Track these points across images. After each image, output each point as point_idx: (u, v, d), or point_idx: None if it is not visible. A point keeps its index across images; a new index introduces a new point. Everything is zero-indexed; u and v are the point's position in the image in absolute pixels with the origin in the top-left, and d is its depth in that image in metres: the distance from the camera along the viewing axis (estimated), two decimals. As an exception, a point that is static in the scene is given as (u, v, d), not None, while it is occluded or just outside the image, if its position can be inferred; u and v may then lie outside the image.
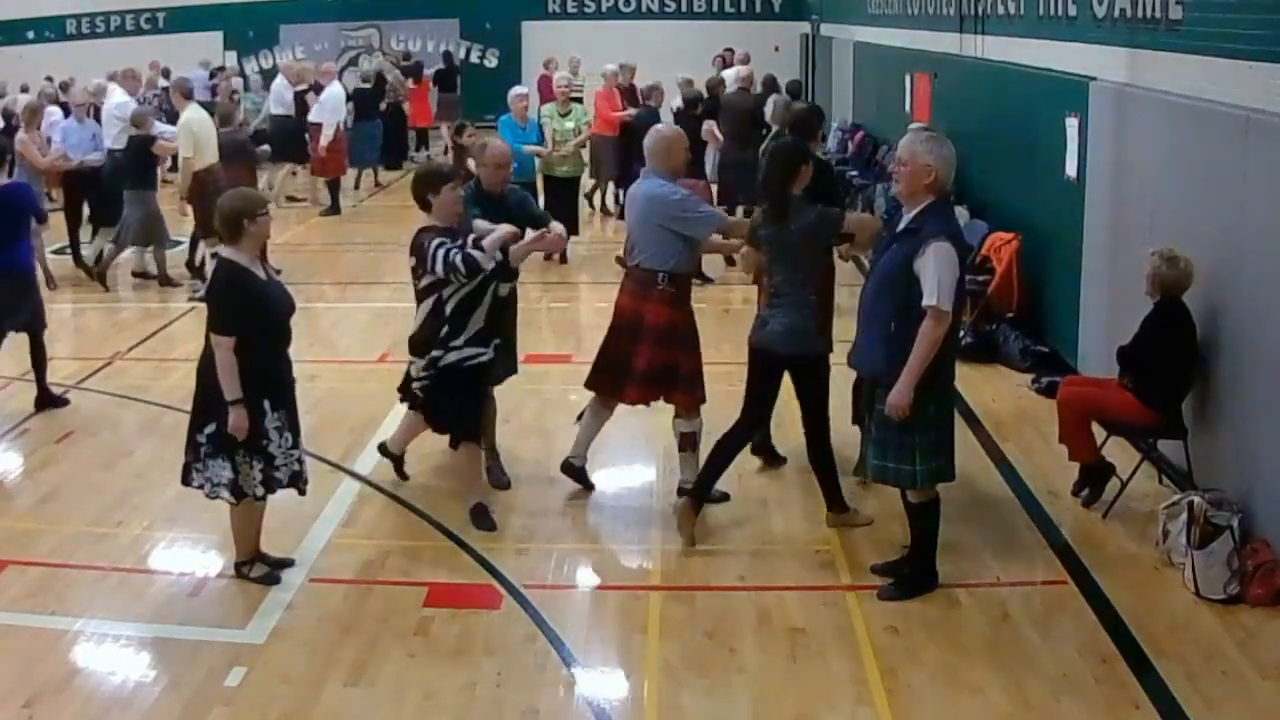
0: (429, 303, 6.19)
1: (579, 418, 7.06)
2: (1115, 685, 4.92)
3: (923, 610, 5.53)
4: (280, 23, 25.11)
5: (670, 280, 6.45)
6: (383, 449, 7.12)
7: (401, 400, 6.75)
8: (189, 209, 11.54)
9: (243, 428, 5.48)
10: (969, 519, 6.40)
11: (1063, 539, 6.24)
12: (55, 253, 12.38)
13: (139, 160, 11.62)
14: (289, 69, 17.63)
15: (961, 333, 7.22)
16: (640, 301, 6.52)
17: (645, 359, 6.49)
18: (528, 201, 7.30)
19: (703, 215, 6.56)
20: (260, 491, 5.66)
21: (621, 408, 6.89)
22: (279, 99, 16.67)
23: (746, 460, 7.32)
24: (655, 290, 6.45)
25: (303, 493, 5.86)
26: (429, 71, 21.13)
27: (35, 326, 8.35)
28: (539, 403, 8.38)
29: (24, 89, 17.66)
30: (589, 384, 6.84)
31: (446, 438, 6.69)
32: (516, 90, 12.85)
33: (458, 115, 18.49)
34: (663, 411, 7.44)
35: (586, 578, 6.04)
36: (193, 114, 11.51)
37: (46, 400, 8.35)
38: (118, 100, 13.10)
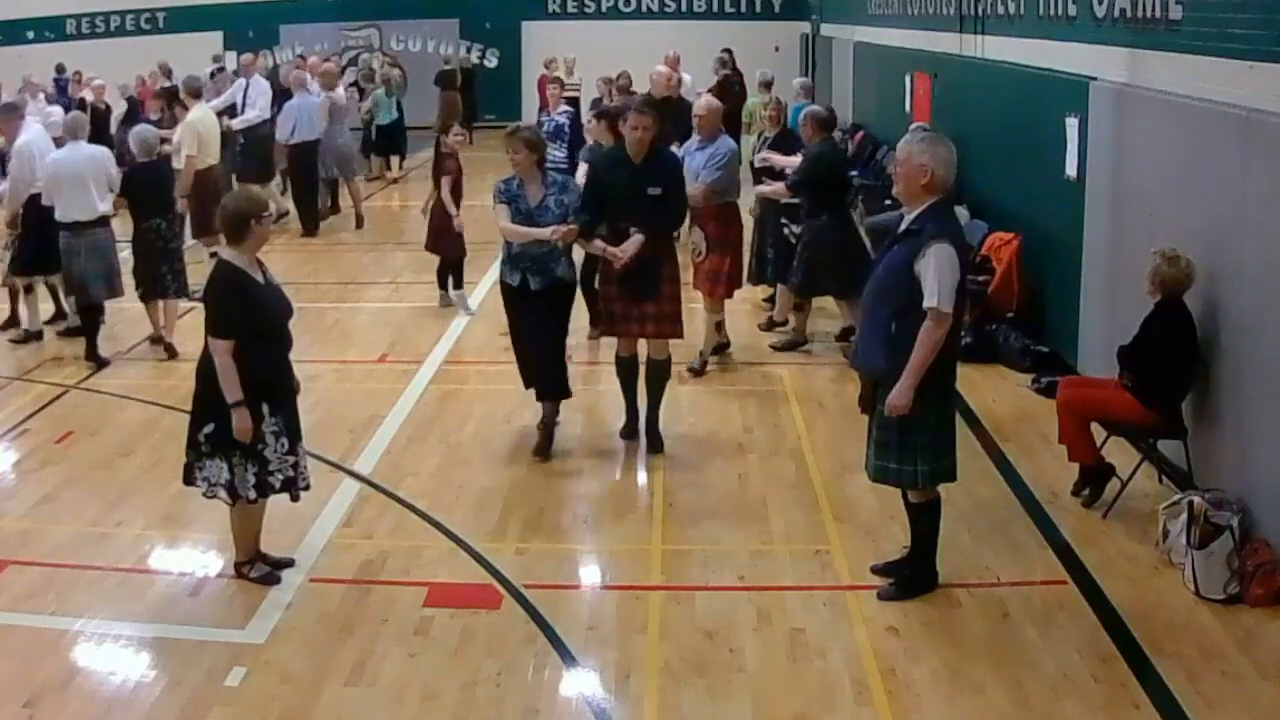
0: None
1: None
2: (1115, 685, 4.91)
3: (923, 610, 5.52)
4: (280, 23, 25.10)
5: None
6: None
7: None
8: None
9: (247, 429, 5.46)
10: (969, 519, 6.39)
11: (1063, 539, 6.23)
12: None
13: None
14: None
15: (961, 332, 7.20)
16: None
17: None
18: None
19: None
20: (253, 495, 5.64)
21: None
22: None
23: (747, 461, 7.35)
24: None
25: (295, 499, 5.83)
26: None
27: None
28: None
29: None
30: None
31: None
32: None
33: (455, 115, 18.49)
34: (663, 412, 7.48)
35: (586, 578, 6.04)
36: (198, 113, 11.54)
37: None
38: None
